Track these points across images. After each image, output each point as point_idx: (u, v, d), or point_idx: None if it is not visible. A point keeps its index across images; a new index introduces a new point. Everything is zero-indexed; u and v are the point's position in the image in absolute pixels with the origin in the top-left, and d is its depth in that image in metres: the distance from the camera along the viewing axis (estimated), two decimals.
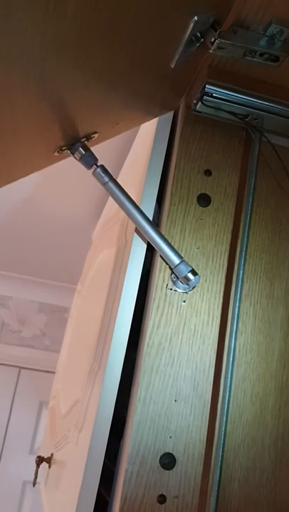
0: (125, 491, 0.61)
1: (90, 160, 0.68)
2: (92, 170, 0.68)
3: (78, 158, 0.68)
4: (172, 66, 0.60)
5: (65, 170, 1.53)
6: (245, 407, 0.67)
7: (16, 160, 0.70)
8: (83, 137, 0.68)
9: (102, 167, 0.68)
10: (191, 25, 0.54)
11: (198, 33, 0.57)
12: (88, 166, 0.68)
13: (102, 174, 0.68)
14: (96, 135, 0.70)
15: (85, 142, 0.69)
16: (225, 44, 0.58)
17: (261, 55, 0.60)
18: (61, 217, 1.89)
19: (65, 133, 0.66)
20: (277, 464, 0.66)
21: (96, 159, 0.69)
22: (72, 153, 0.69)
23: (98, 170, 0.68)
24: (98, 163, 0.68)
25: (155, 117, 0.77)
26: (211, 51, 0.59)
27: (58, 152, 0.69)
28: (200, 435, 0.65)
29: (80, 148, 0.68)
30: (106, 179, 0.68)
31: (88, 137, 0.69)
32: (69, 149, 0.68)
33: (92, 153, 0.69)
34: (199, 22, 0.54)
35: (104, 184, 0.68)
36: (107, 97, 0.63)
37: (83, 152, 0.68)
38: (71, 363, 1.23)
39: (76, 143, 0.68)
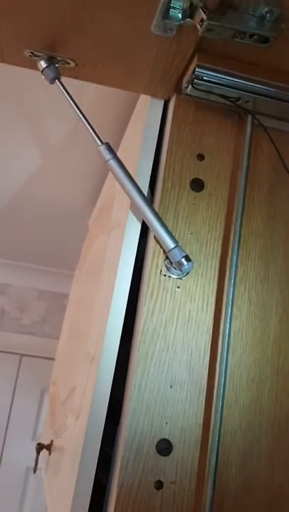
0: (122, 478, 0.61)
1: (50, 73, 0.71)
2: (98, 145, 0.70)
3: (41, 69, 0.72)
4: (152, 29, 0.61)
5: (62, 158, 1.52)
6: (242, 391, 0.67)
7: None
8: (59, 57, 0.72)
9: (107, 144, 0.70)
10: None
11: (176, 3, 0.57)
12: (49, 80, 0.72)
13: (107, 151, 0.69)
14: (72, 63, 0.73)
15: (60, 64, 0.73)
16: (214, 26, 0.57)
17: (251, 36, 0.59)
18: (59, 204, 1.88)
19: (41, 40, 0.69)
20: (274, 448, 0.66)
21: (59, 73, 0.72)
22: (37, 62, 0.72)
23: (102, 147, 0.69)
24: (104, 141, 0.70)
25: (143, 92, 0.78)
26: (200, 33, 0.58)
27: (29, 54, 0.72)
28: (196, 420, 0.65)
29: (46, 60, 0.71)
30: (109, 156, 0.69)
31: (64, 61, 0.72)
32: (39, 57, 0.72)
33: (56, 68, 0.72)
34: None
35: (106, 161, 0.69)
36: (81, 26, 0.65)
37: (46, 64, 0.71)
38: (70, 349, 1.23)
39: (45, 54, 0.71)
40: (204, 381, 0.66)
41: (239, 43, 0.60)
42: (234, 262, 0.69)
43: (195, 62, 0.65)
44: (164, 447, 0.63)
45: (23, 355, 2.67)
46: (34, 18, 0.65)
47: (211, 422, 0.65)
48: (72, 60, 0.72)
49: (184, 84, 0.69)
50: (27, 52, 0.71)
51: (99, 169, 1.54)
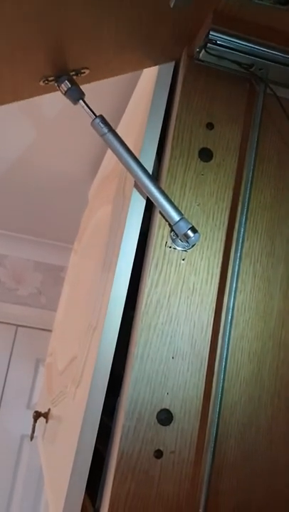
0: (122, 446, 0.61)
1: (75, 94, 0.67)
2: (89, 117, 0.66)
3: (64, 91, 0.67)
4: (171, 5, 0.57)
5: (61, 127, 1.49)
6: (243, 364, 0.67)
7: None
8: (72, 71, 0.67)
9: (102, 117, 0.66)
10: None
11: None
12: (74, 100, 0.67)
13: (101, 125, 0.65)
14: (87, 71, 0.68)
15: (74, 77, 0.68)
16: None
17: None
18: (57, 175, 1.86)
19: (52, 63, 0.64)
20: (274, 420, 0.67)
21: (82, 94, 0.67)
22: (59, 86, 0.68)
23: (97, 120, 0.66)
24: (97, 114, 0.66)
25: (155, 64, 0.74)
26: None
27: (44, 82, 0.67)
28: (197, 392, 0.65)
29: (67, 81, 0.67)
30: (105, 130, 0.65)
31: (78, 72, 0.68)
32: (55, 81, 0.67)
33: (79, 87, 0.67)
34: None
35: (102, 135, 0.66)
36: (97, 30, 0.61)
37: (69, 85, 0.67)
38: (68, 320, 1.23)
39: (63, 75, 0.67)
40: (206, 353, 0.66)
41: (257, 4, 0.57)
42: (241, 235, 0.68)
43: (209, 25, 0.62)
44: (165, 417, 0.63)
45: (18, 325, 2.68)
46: (47, 48, 0.61)
47: (212, 393, 0.65)
48: (86, 68, 0.68)
49: (196, 49, 0.67)
50: (42, 82, 0.67)
51: (97, 142, 1.52)
